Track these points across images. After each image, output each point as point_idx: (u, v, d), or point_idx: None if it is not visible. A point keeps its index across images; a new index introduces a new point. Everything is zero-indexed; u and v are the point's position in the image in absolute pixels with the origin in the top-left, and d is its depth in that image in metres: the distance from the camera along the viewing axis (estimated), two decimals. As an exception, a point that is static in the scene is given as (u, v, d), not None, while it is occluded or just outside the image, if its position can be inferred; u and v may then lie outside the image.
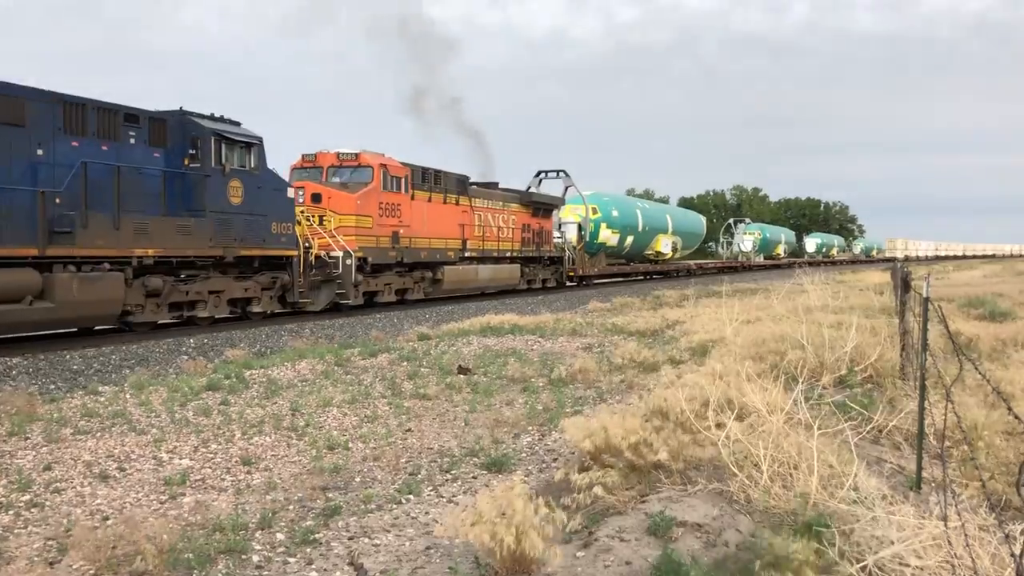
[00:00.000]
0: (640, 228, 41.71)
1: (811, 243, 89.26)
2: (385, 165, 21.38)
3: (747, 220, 77.12)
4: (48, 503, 5.38)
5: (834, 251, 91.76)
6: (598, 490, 5.08)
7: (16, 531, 4.88)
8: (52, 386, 10.25)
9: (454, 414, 8.16)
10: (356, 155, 21.15)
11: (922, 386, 5.86)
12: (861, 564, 3.88)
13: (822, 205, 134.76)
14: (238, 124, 16.76)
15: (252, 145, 16.64)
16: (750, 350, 10.25)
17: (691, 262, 54.24)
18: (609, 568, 4.17)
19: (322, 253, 19.03)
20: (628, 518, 4.82)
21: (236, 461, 6.41)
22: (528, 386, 9.52)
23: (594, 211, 36.60)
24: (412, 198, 22.54)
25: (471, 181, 26.73)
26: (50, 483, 5.76)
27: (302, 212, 18.90)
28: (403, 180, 22.06)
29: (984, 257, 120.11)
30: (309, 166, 21.31)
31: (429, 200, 23.45)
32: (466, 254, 25.11)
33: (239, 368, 10.44)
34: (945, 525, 3.91)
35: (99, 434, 7.17)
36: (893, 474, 5.98)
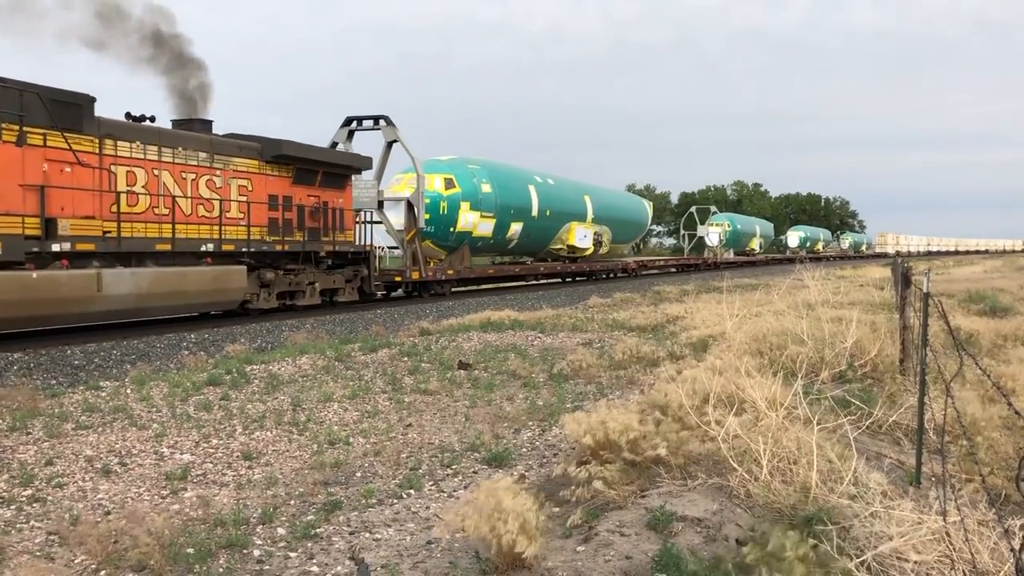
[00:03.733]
0: (536, 212, 30.94)
1: (794, 237, 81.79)
2: None
3: (713, 209, 66.95)
4: (50, 498, 5.40)
5: (819, 246, 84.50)
6: (598, 485, 5.09)
7: (18, 526, 4.89)
8: (53, 381, 10.27)
9: (455, 409, 8.17)
10: None
11: (922, 381, 5.86)
12: (860, 559, 3.90)
13: (822, 200, 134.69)
14: None
15: None
16: (750, 345, 10.26)
17: (629, 259, 44.55)
18: (609, 562, 4.18)
19: None
20: (628, 513, 4.84)
21: (237, 456, 6.42)
22: (528, 381, 9.53)
23: (448, 184, 26.36)
24: None
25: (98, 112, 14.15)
26: (51, 478, 5.78)
27: None
28: None
29: (977, 252, 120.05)
30: None
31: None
32: (56, 246, 13.23)
33: (240, 363, 10.45)
34: (944, 520, 3.92)
35: (100, 429, 7.19)
36: (893, 469, 5.98)
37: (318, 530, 4.85)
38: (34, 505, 5.27)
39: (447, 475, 6.04)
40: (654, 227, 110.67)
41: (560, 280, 35.20)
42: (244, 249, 17.16)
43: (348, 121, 24.05)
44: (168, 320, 15.67)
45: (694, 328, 13.57)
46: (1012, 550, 3.41)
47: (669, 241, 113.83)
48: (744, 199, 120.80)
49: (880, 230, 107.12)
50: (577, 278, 36.12)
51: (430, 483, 5.83)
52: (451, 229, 26.66)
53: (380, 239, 24.51)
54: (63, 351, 12.36)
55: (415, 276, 23.57)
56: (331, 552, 4.55)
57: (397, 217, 24.13)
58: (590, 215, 36.19)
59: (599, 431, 5.60)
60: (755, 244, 66.99)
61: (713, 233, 59.06)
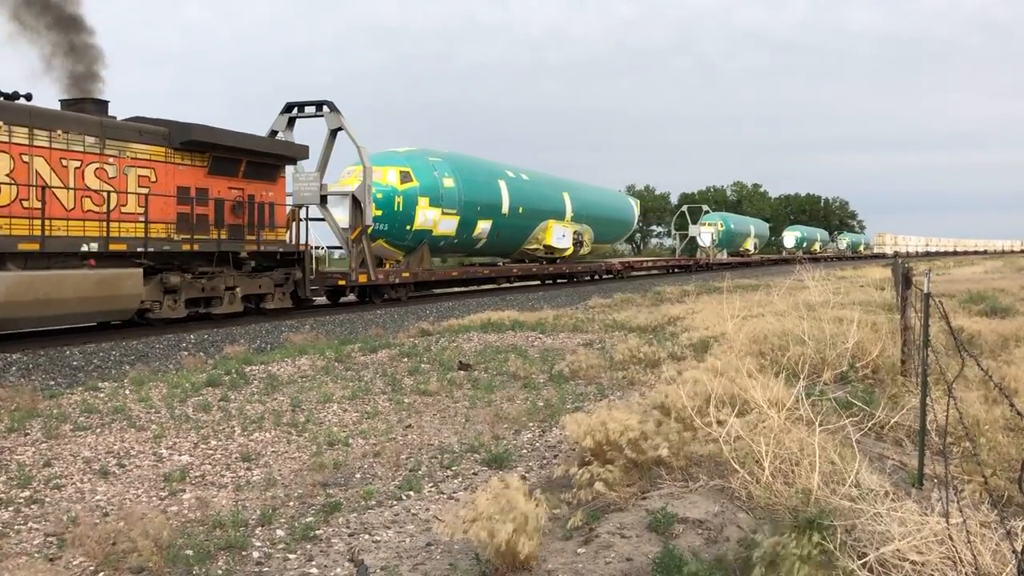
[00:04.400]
0: (507, 209, 28.23)
1: (790, 237, 78.79)
2: None
3: (706, 208, 63.86)
4: (48, 499, 5.38)
5: (816, 246, 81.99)
6: (599, 486, 5.07)
7: (16, 527, 4.87)
8: (52, 382, 10.25)
9: (455, 410, 8.15)
10: None
11: (924, 382, 5.84)
12: (863, 560, 3.87)
13: (822, 201, 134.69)
14: None
15: None
16: (751, 346, 10.24)
17: (614, 260, 42.55)
18: (610, 564, 4.15)
19: None
20: (629, 514, 4.81)
21: (236, 457, 6.40)
22: (529, 382, 9.50)
23: (404, 177, 23.36)
24: None
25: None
26: (50, 479, 5.75)
27: None
28: None
29: (976, 253, 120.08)
30: None
31: None
32: None
33: (239, 364, 10.43)
34: (947, 521, 3.89)
35: (99, 430, 7.16)
36: (895, 470, 5.96)
37: (317, 532, 4.83)
38: (32, 506, 5.24)
39: (447, 476, 6.02)
40: (654, 227, 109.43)
41: (539, 283, 32.90)
42: (141, 249, 14.49)
43: (289, 107, 21.42)
44: (168, 321, 15.61)
45: (695, 329, 13.54)
46: (1014, 551, 3.39)
47: (669, 242, 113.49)
48: (744, 199, 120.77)
49: (879, 231, 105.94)
50: (557, 280, 33.84)
51: (430, 484, 5.81)
52: (407, 227, 23.43)
53: (324, 238, 22.44)
54: (62, 352, 12.33)
55: (362, 279, 20.81)
56: (330, 554, 4.53)
57: (342, 214, 21.34)
58: (569, 213, 33.23)
59: (600, 432, 5.58)
60: (750, 244, 64.52)
61: (705, 233, 56.14)
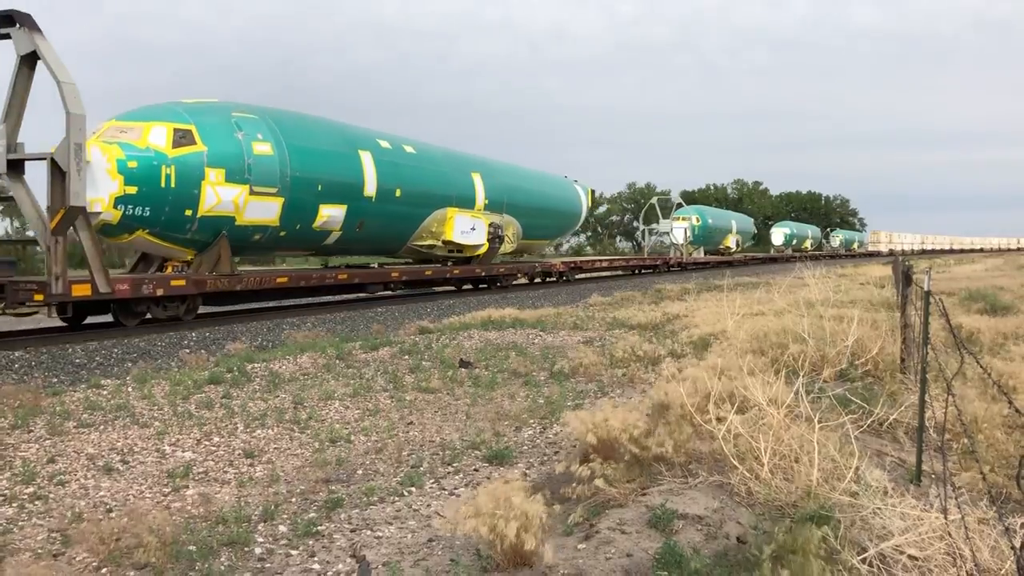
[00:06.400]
0: (374, 191, 20.81)
1: (778, 234, 74.29)
2: None
3: (680, 201, 56.18)
4: (52, 495, 5.40)
5: (807, 243, 77.82)
6: (599, 483, 5.10)
7: (20, 523, 4.90)
8: (55, 379, 10.27)
9: (456, 407, 8.18)
10: None
11: (923, 379, 5.87)
12: (862, 556, 3.90)
13: (823, 199, 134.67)
14: None
15: None
16: (751, 344, 10.27)
17: (555, 260, 35.42)
18: (610, 560, 4.18)
19: None
20: (629, 511, 4.84)
21: (239, 454, 6.43)
22: (529, 379, 9.53)
23: (180, 138, 15.93)
24: None
25: None
26: (53, 476, 5.78)
27: None
28: None
29: (972, 251, 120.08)
30: None
31: None
32: None
33: (241, 361, 10.46)
34: (945, 518, 3.92)
35: (102, 427, 7.19)
36: (894, 467, 5.99)
37: (319, 528, 4.86)
38: (36, 503, 5.28)
39: (448, 473, 6.05)
40: (653, 225, 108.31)
41: (454, 289, 26.88)
42: None
43: None
44: (168, 319, 15.69)
45: (695, 327, 13.57)
46: (1013, 548, 3.42)
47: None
48: (744, 197, 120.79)
49: (874, 228, 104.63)
50: (479, 286, 27.74)
51: (431, 481, 5.84)
52: (187, 213, 16.01)
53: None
54: (64, 349, 12.37)
55: (79, 291, 13.37)
56: (332, 550, 4.56)
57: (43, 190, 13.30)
58: (481, 200, 26.24)
59: (601, 428, 5.61)
60: (731, 241, 58.44)
61: (678, 228, 48.84)
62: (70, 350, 12.29)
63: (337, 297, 22.26)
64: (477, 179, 26.62)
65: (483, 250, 26.33)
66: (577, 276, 34.44)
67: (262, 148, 17.33)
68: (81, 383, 9.61)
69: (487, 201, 26.77)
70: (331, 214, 19.63)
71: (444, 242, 24.69)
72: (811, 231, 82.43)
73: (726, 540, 4.46)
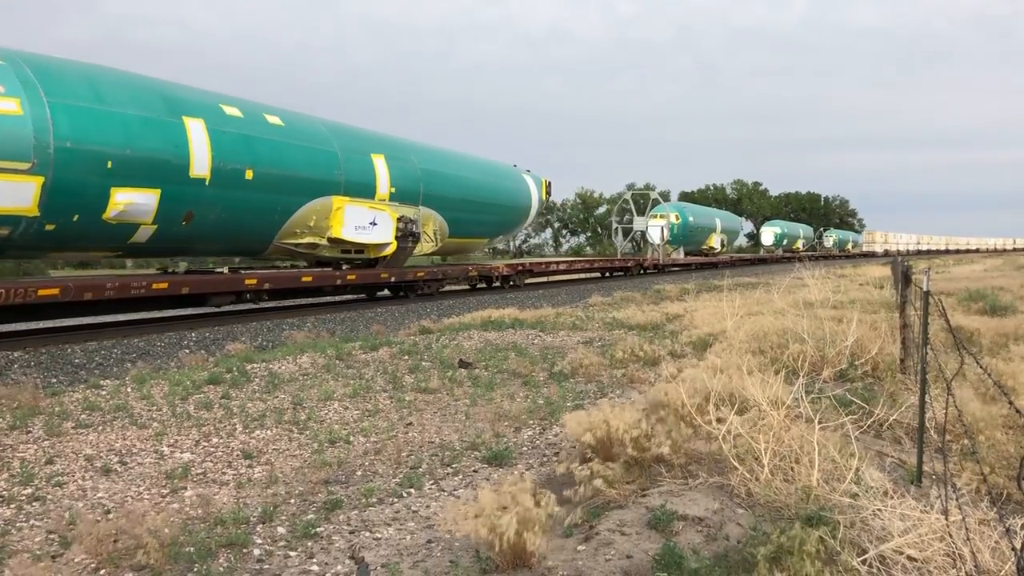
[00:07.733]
0: (208, 172, 15.57)
1: (768, 233, 71.84)
2: None
3: (656, 197, 49.25)
4: (50, 496, 5.39)
5: (799, 243, 75.02)
6: (599, 484, 5.09)
7: (18, 525, 4.89)
8: (54, 380, 10.26)
9: (455, 408, 8.17)
10: None
11: (923, 380, 5.86)
12: (862, 557, 3.89)
13: (822, 199, 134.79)
14: None
15: None
16: (751, 344, 10.26)
17: (498, 263, 29.10)
18: (610, 562, 4.17)
19: None
20: (629, 512, 4.83)
21: (237, 455, 6.42)
22: (529, 380, 9.52)
23: None
24: None
25: None
26: (52, 477, 5.77)
27: None
28: None
29: (968, 251, 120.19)
30: None
31: None
32: None
33: (240, 362, 10.45)
34: (946, 518, 3.91)
35: (101, 428, 7.18)
36: (894, 468, 5.98)
37: (318, 529, 4.85)
38: (34, 504, 5.26)
39: (448, 474, 6.03)
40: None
41: (311, 303, 20.96)
42: None
43: None
44: (169, 318, 15.67)
45: (694, 327, 13.56)
46: (1013, 549, 3.41)
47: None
48: (744, 197, 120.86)
49: (869, 228, 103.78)
50: (399, 294, 23.00)
51: (430, 482, 5.83)
52: None
53: None
54: (63, 349, 12.36)
55: None
56: (331, 551, 4.54)
57: None
58: (384, 188, 20.97)
59: (601, 429, 5.60)
60: (715, 241, 54.12)
61: (655, 227, 43.88)
62: (69, 350, 12.28)
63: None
64: (379, 162, 21.08)
65: (390, 250, 21.27)
66: (528, 281, 29.55)
67: (4, 106, 12.31)
68: (80, 383, 9.59)
69: (394, 190, 21.40)
70: (132, 200, 14.28)
71: (331, 240, 19.33)
72: (803, 231, 79.43)
73: (726, 541, 4.45)
